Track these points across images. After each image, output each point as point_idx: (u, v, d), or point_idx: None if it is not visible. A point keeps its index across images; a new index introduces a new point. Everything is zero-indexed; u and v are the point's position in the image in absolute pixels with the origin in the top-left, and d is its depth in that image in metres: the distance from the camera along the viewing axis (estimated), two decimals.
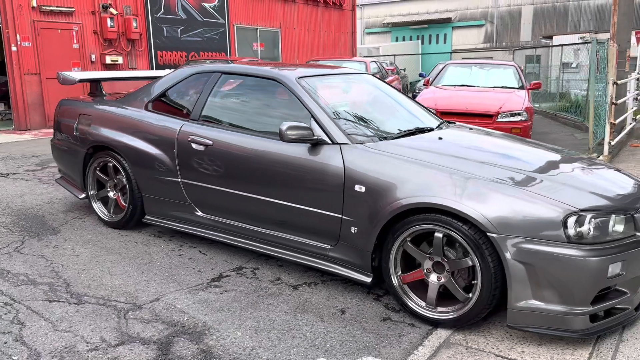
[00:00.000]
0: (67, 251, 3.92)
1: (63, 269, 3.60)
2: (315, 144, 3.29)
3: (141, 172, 4.09)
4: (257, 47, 15.80)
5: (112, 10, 11.33)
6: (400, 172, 2.97)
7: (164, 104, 4.13)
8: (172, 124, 3.95)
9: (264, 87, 3.82)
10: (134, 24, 11.75)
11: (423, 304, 2.97)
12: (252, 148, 3.52)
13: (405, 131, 3.61)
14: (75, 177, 4.64)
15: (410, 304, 2.99)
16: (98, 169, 4.43)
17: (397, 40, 43.17)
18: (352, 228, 3.14)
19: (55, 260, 3.75)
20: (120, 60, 11.63)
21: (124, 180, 4.25)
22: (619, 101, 8.25)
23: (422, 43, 42.43)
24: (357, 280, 3.20)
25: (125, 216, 4.28)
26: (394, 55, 28.10)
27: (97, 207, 4.52)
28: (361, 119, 3.63)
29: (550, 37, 30.36)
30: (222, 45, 14.51)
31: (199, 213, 3.90)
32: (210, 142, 3.69)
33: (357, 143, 3.23)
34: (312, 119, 3.37)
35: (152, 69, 12.50)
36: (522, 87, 8.92)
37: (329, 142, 3.27)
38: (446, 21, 41.38)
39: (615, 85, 7.51)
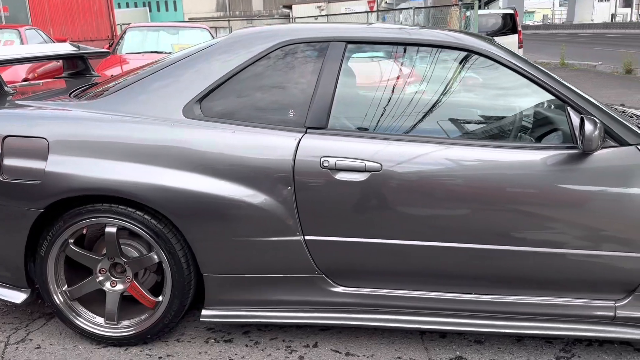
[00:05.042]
0: None
1: None
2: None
3: (202, 234, 2.14)
4: None
5: None
6: None
7: (225, 105, 2.20)
8: (275, 138, 2.12)
9: (438, 62, 2.31)
10: None
11: None
12: (468, 167, 2.08)
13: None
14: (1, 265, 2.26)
15: None
16: (72, 242, 2.21)
17: (119, 6, 38.95)
18: None
19: None
20: None
21: (154, 256, 2.20)
22: None
23: (150, 10, 39.27)
24: None
25: (162, 320, 2.24)
26: (121, 24, 25.21)
27: (76, 315, 2.28)
28: None
29: (290, 7, 31.30)
30: None
31: (338, 289, 2.23)
32: (378, 165, 2.07)
33: None
34: (569, 109, 2.10)
35: None
36: None
37: (614, 144, 2.09)
38: None
39: None
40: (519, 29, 11.89)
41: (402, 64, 2.34)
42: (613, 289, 2.17)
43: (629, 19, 52.49)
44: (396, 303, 2.23)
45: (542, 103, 2.55)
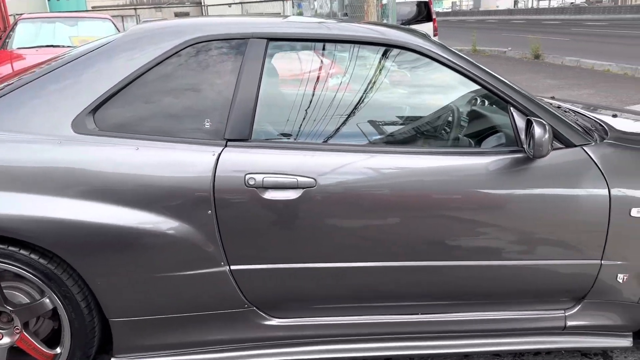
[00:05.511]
0: None
1: None
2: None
3: (103, 273, 1.79)
4: None
5: None
6: None
7: (126, 115, 1.84)
8: (189, 154, 1.79)
9: (368, 61, 2.06)
10: None
11: None
12: (412, 179, 1.86)
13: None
14: None
15: None
16: None
17: None
18: (620, 275, 2.00)
19: None
20: None
21: (46, 301, 1.82)
22: None
23: None
24: (609, 348, 2.13)
25: None
26: (15, 14, 23.28)
27: None
28: None
29: None
30: None
31: (273, 322, 1.96)
32: (312, 180, 1.81)
33: (597, 142, 2.01)
34: (512, 110, 1.94)
35: None
36: None
37: (560, 146, 1.95)
38: None
39: None
40: (434, 16, 12.04)
41: (330, 63, 2.08)
42: (562, 298, 2.07)
43: (529, 6, 55.62)
44: (338, 332, 2.00)
45: (477, 100, 2.40)
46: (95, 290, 1.81)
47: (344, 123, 2.02)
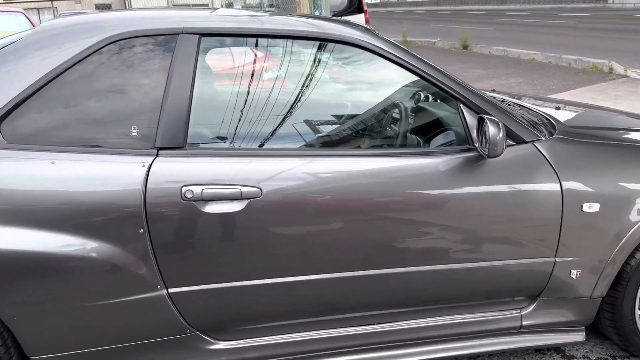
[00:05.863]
0: None
1: None
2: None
3: (18, 306, 1.55)
4: None
5: None
6: None
7: (38, 124, 1.60)
8: (114, 167, 1.58)
9: (310, 57, 1.91)
10: None
11: None
12: (366, 184, 1.74)
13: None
14: None
15: None
16: None
17: None
18: (573, 272, 1.98)
19: None
20: None
21: None
22: None
23: None
24: (564, 344, 2.11)
25: None
26: None
27: None
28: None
29: None
30: None
31: (219, 345, 1.79)
32: (257, 190, 1.64)
33: (547, 137, 1.97)
34: (462, 107, 1.86)
35: None
36: None
37: (511, 142, 1.89)
38: None
39: None
40: (365, 8, 12.01)
41: (271, 60, 1.91)
42: (518, 297, 2.03)
43: None
44: (290, 350, 1.86)
45: (421, 95, 2.31)
46: (11, 325, 1.57)
47: (288, 125, 1.87)
